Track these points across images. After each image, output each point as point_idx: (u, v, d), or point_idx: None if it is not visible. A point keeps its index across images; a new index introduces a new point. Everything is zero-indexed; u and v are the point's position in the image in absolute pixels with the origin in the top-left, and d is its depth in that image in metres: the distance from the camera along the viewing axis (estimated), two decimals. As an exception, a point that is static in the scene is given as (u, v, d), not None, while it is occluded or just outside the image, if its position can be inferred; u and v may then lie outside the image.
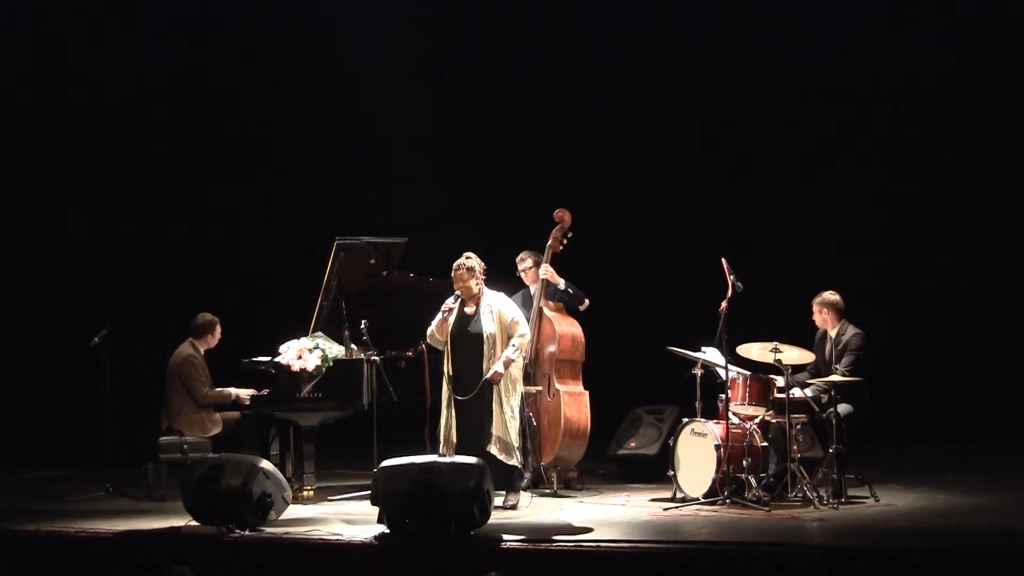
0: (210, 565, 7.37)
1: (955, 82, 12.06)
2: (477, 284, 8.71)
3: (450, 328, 8.67)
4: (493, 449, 8.49)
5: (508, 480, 8.67)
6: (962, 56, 11.99)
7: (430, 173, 12.83)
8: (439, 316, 8.68)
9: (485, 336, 8.61)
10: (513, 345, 8.62)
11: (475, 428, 8.54)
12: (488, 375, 8.54)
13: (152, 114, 13.02)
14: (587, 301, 9.70)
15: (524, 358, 9.05)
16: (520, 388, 8.75)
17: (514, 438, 8.57)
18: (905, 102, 12.25)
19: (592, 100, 12.84)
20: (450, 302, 8.67)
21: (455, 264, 8.72)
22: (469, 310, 8.73)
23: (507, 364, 8.58)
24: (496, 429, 8.53)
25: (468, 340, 8.65)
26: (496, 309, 8.70)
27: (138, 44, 12.89)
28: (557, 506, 8.85)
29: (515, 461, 8.59)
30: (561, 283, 9.65)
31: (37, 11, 12.83)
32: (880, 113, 12.38)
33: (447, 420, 8.59)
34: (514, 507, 8.63)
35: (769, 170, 12.49)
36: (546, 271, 9.59)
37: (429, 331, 8.76)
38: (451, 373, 8.64)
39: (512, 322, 8.69)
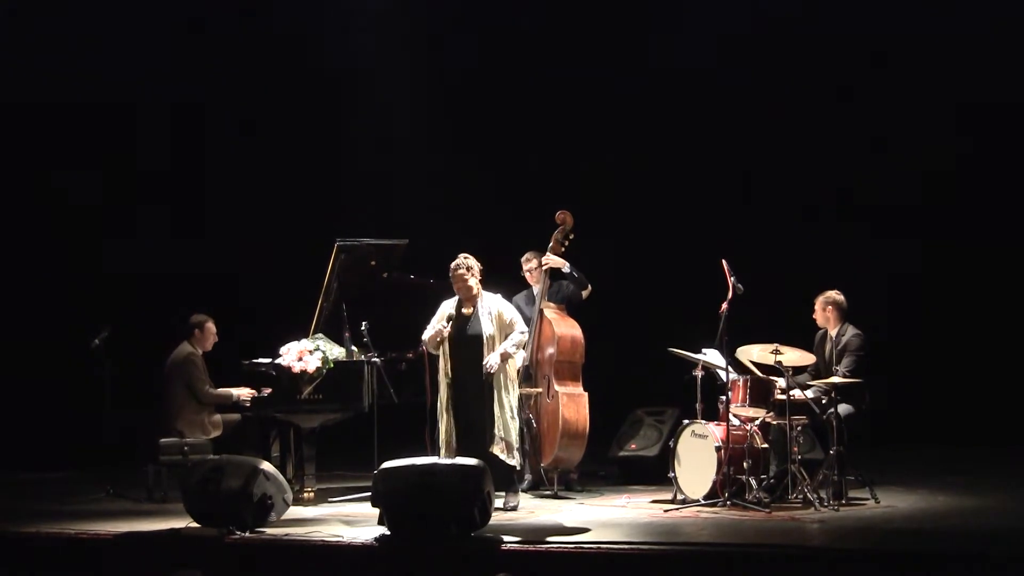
0: (210, 566, 7.37)
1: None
2: (476, 284, 8.66)
3: (447, 333, 8.56)
4: (496, 450, 8.44)
5: (509, 480, 8.64)
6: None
7: (431, 174, 12.83)
8: (435, 326, 8.57)
9: (485, 338, 8.53)
10: (512, 340, 8.55)
11: (477, 429, 8.48)
12: (485, 365, 8.42)
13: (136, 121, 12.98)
14: (589, 287, 9.67)
15: (524, 360, 9.07)
16: (517, 388, 8.72)
17: (514, 438, 8.56)
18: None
19: (592, 100, 12.84)
20: (450, 310, 8.58)
21: (453, 265, 8.61)
22: (467, 311, 8.65)
23: (504, 358, 8.51)
24: (499, 429, 8.48)
25: (467, 342, 8.56)
26: (496, 311, 8.63)
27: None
28: (557, 508, 8.85)
29: (516, 461, 8.57)
30: (566, 266, 9.60)
31: None
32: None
33: (447, 424, 8.49)
34: (514, 508, 8.62)
35: (768, 170, 12.49)
36: (547, 259, 9.55)
37: (425, 337, 8.67)
38: (450, 375, 8.56)
39: (510, 323, 8.62)
